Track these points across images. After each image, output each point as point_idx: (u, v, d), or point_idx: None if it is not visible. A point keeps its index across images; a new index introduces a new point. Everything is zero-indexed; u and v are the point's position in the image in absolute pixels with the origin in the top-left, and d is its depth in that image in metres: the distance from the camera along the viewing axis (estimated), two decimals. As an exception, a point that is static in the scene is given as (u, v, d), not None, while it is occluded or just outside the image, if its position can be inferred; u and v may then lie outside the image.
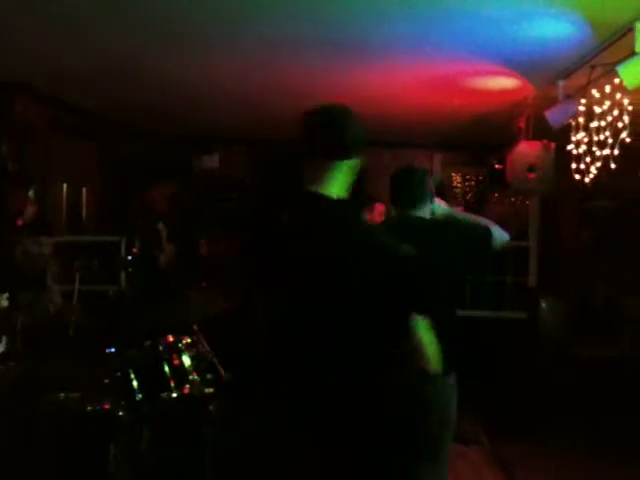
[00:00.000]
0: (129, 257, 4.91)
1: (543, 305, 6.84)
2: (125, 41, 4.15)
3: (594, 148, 4.21)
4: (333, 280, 1.97)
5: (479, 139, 6.70)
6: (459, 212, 3.31)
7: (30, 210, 4.24)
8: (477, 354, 6.22)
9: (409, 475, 2.70)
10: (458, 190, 7.69)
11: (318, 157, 2.11)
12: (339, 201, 2.09)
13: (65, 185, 6.14)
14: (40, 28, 3.92)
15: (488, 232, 3.05)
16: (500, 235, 3.09)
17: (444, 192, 7.65)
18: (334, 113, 2.13)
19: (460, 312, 3.22)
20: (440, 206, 3.23)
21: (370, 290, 1.94)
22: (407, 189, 3.12)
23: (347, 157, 2.11)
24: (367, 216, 5.46)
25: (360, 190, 2.46)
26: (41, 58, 4.55)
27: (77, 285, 4.23)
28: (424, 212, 3.12)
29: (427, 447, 3.02)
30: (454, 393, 3.06)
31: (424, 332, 1.99)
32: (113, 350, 3.51)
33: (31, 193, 4.29)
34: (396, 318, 1.98)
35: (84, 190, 6.52)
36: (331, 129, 2.11)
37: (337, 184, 2.11)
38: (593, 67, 4.00)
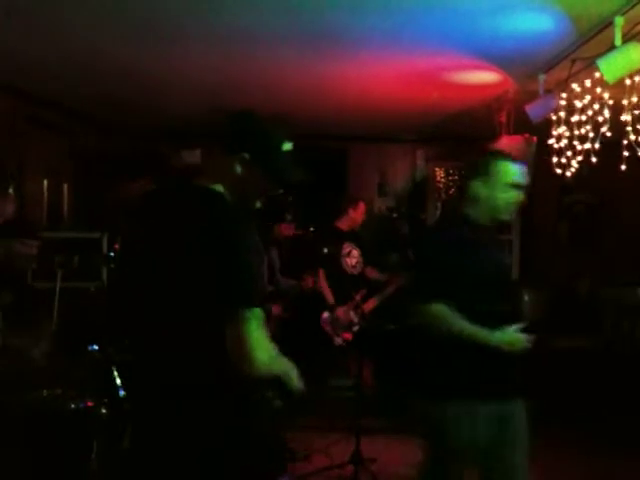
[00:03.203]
0: (111, 253, 4.88)
1: (525, 297, 6.88)
2: (94, 32, 4.07)
3: (575, 142, 4.23)
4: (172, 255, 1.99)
5: (461, 133, 6.70)
6: None
7: (9, 208, 4.18)
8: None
9: None
10: (441, 185, 7.71)
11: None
12: (211, 189, 2.06)
13: (46, 181, 6.07)
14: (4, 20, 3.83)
15: None
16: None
17: (426, 187, 7.67)
18: (244, 113, 2.18)
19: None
20: None
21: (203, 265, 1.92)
22: None
23: (234, 148, 2.10)
24: (351, 215, 5.50)
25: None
26: (5, 50, 4.42)
27: (59, 282, 4.19)
28: None
29: None
30: None
31: (252, 331, 1.84)
32: (96, 347, 3.50)
33: (11, 190, 4.23)
34: (220, 306, 1.88)
35: (65, 186, 6.45)
36: (233, 122, 2.17)
37: (226, 178, 2.09)
38: (573, 61, 4.01)
